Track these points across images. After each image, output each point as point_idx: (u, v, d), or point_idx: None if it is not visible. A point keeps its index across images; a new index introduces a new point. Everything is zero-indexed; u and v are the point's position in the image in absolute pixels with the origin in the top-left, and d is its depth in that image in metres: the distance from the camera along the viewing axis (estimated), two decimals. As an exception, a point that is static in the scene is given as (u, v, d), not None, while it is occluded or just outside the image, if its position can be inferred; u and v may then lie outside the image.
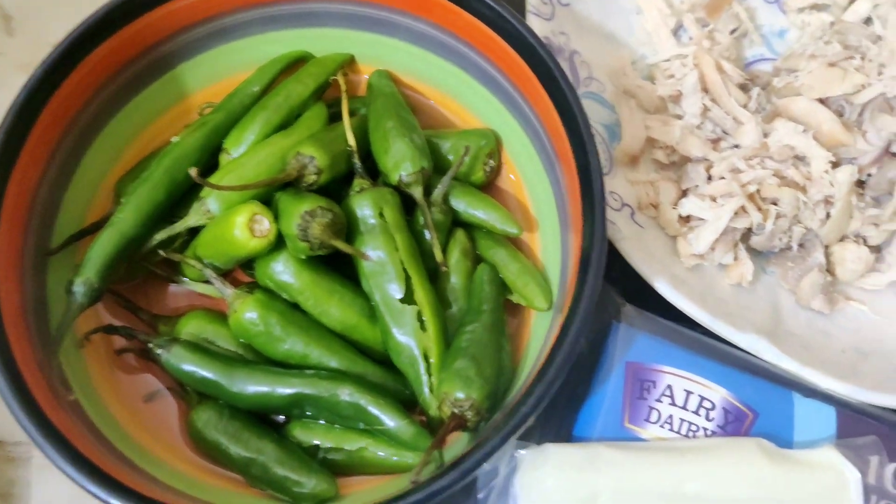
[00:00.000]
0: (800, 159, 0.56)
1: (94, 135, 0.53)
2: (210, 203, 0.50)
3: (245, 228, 0.47)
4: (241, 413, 0.48)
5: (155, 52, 0.54)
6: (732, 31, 0.64)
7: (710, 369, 0.50)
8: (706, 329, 0.51)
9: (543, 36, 0.58)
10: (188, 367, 0.48)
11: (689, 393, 0.49)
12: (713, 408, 0.49)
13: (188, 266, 0.51)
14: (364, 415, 0.47)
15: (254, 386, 0.47)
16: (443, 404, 0.45)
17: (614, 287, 0.53)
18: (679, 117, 0.59)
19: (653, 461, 0.46)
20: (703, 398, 0.49)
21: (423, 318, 0.48)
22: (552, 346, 0.43)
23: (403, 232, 0.49)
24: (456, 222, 0.53)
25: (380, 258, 0.48)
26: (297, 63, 0.57)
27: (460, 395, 0.45)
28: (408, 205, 0.51)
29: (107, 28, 0.51)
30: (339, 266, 0.51)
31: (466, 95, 0.56)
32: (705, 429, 0.48)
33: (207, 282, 0.50)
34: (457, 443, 0.48)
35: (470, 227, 0.53)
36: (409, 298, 0.48)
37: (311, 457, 0.48)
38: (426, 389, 0.47)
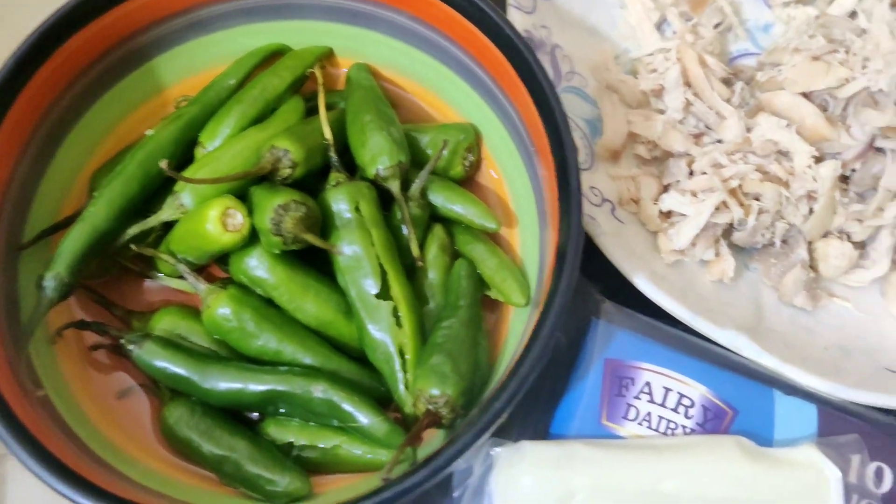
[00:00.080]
0: (783, 154, 0.56)
1: (69, 128, 0.53)
2: (184, 197, 0.49)
3: (217, 222, 0.46)
4: (213, 410, 0.48)
5: (130, 44, 0.53)
6: (716, 26, 0.63)
7: (690, 366, 0.49)
8: (687, 326, 0.51)
9: (524, 29, 0.57)
10: (160, 363, 0.47)
11: (667, 390, 0.48)
12: (692, 405, 0.48)
13: (162, 261, 0.51)
14: (338, 412, 0.46)
15: (226, 382, 0.47)
16: (417, 401, 0.45)
17: (594, 283, 0.53)
18: (661, 112, 0.59)
19: (630, 459, 0.46)
20: (682, 395, 0.48)
21: (399, 314, 0.47)
22: (527, 341, 0.42)
23: (380, 226, 0.49)
24: (435, 217, 0.53)
25: (355, 253, 0.48)
26: (274, 56, 0.56)
27: (435, 391, 0.44)
28: (386, 199, 0.51)
29: (81, 18, 0.50)
30: (315, 261, 0.50)
31: (446, 89, 0.55)
32: (684, 426, 0.48)
33: (181, 277, 0.50)
34: (433, 440, 0.47)
35: (448, 223, 0.53)
36: (384, 294, 0.47)
37: (285, 454, 0.48)
38: (401, 386, 0.47)
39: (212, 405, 0.48)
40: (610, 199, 0.56)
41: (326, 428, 0.48)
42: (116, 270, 0.52)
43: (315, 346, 0.48)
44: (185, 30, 0.55)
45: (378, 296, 0.47)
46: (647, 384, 0.49)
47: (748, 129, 0.56)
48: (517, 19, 0.57)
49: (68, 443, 0.45)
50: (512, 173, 0.53)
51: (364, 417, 0.46)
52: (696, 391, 0.48)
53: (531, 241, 0.51)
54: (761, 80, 0.58)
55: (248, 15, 0.55)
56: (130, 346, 0.48)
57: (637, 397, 0.48)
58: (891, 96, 0.55)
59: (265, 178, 0.49)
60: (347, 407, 0.46)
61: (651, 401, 0.48)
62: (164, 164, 0.46)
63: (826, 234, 0.56)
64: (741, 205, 0.54)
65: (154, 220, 0.50)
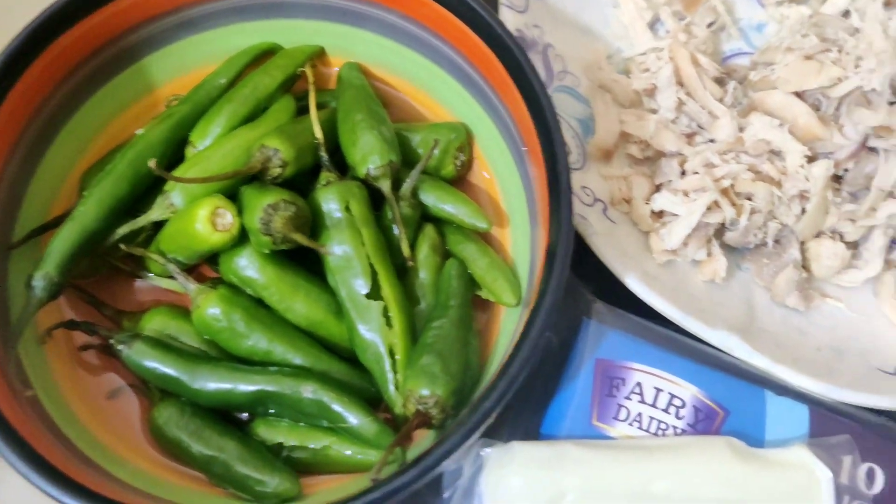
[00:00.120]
0: (775, 154, 0.56)
1: (59, 126, 0.52)
2: (174, 197, 0.49)
3: (207, 222, 0.46)
4: (203, 410, 0.48)
5: (121, 43, 0.53)
6: (710, 25, 0.63)
7: (681, 367, 0.49)
8: (678, 326, 0.51)
9: (516, 28, 0.57)
10: (149, 363, 0.47)
11: (658, 390, 0.48)
12: (683, 406, 0.48)
13: (152, 261, 0.50)
14: (327, 412, 0.46)
15: (215, 383, 0.47)
16: (407, 401, 0.44)
17: (586, 284, 0.52)
18: (654, 111, 0.58)
19: (620, 460, 0.45)
20: (673, 396, 0.48)
21: (390, 314, 0.47)
22: (516, 341, 0.42)
23: (370, 226, 0.49)
24: (426, 217, 0.52)
25: (345, 253, 0.48)
26: (265, 55, 0.56)
27: (425, 391, 0.44)
28: (377, 199, 0.51)
29: (71, 16, 0.50)
30: (305, 261, 0.50)
31: (438, 89, 0.55)
32: (675, 427, 0.48)
33: (172, 277, 0.49)
34: (424, 441, 0.47)
35: (440, 222, 0.53)
36: (375, 294, 0.47)
37: (275, 455, 0.47)
38: (391, 386, 0.46)
39: (201, 405, 0.48)
40: (602, 199, 0.56)
41: (316, 428, 0.47)
42: (107, 270, 0.52)
43: (305, 346, 0.48)
44: (176, 28, 0.54)
45: (368, 296, 0.47)
46: (638, 384, 0.48)
47: (741, 129, 0.56)
48: (509, 18, 0.57)
49: (57, 443, 0.45)
50: (503, 173, 0.53)
51: (353, 418, 0.46)
52: (688, 392, 0.48)
53: (522, 241, 0.51)
54: (754, 79, 0.58)
55: (239, 14, 0.55)
56: (120, 346, 0.47)
57: (628, 398, 0.48)
58: (884, 95, 0.55)
59: (256, 177, 0.49)
60: (337, 407, 0.46)
61: (642, 401, 0.48)
62: (152, 163, 0.46)
63: (819, 234, 0.56)
64: (733, 204, 0.54)
65: (144, 220, 0.49)
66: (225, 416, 0.49)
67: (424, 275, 0.51)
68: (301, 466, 0.48)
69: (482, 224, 0.51)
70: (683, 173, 0.56)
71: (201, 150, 0.51)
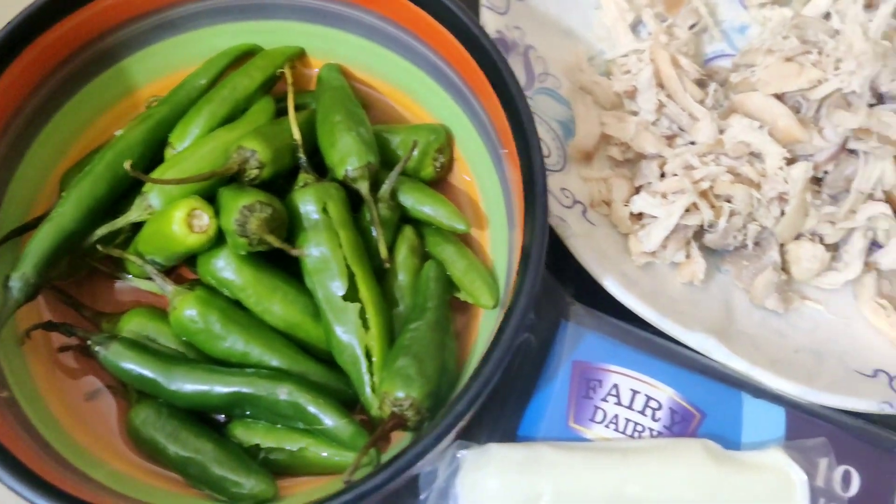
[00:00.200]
0: (755, 156, 0.56)
1: (39, 128, 0.52)
2: (152, 198, 0.49)
3: (183, 223, 0.46)
4: (179, 412, 0.48)
5: (100, 44, 0.53)
6: (692, 27, 0.63)
7: (658, 369, 0.49)
8: (657, 329, 0.51)
9: (496, 30, 0.57)
10: (126, 364, 0.47)
11: (635, 392, 0.48)
12: (659, 408, 0.48)
13: (131, 262, 0.50)
14: (303, 414, 0.46)
15: (192, 384, 0.47)
16: (383, 403, 0.44)
17: (566, 286, 0.52)
18: (635, 113, 0.58)
19: (596, 462, 0.45)
20: (649, 398, 0.48)
21: (367, 317, 0.47)
22: (490, 343, 0.42)
23: (348, 228, 0.48)
24: (405, 219, 0.52)
25: (323, 254, 0.48)
26: (245, 56, 0.56)
27: (400, 394, 0.44)
28: (356, 201, 0.51)
29: (50, 17, 0.50)
30: (284, 263, 0.50)
31: (418, 90, 0.55)
32: (651, 429, 0.48)
33: (150, 278, 0.49)
34: (402, 443, 0.47)
35: (419, 224, 0.53)
36: (352, 296, 0.47)
37: (252, 457, 0.47)
38: (368, 389, 0.46)
39: (178, 407, 0.48)
40: (581, 201, 0.56)
41: (293, 430, 0.47)
42: (86, 271, 0.52)
43: (282, 348, 0.48)
44: (155, 30, 0.54)
45: (345, 298, 0.47)
46: (615, 386, 0.48)
47: (721, 131, 0.56)
48: (489, 20, 0.57)
49: (33, 445, 0.44)
50: (483, 174, 0.53)
51: (329, 420, 0.46)
52: (664, 394, 0.48)
53: (501, 244, 0.51)
54: (735, 81, 0.58)
55: (219, 15, 0.55)
56: (97, 348, 0.48)
57: (604, 399, 0.48)
58: (863, 98, 0.55)
59: (235, 178, 0.49)
60: (312, 409, 0.46)
61: (618, 403, 0.48)
62: (127, 164, 0.45)
63: (798, 237, 0.56)
64: (712, 206, 0.54)
65: (122, 221, 0.49)
66: (202, 417, 0.49)
67: (403, 277, 0.51)
68: (278, 468, 0.48)
69: (460, 226, 0.51)
70: (663, 175, 0.56)
71: (180, 152, 0.51)
